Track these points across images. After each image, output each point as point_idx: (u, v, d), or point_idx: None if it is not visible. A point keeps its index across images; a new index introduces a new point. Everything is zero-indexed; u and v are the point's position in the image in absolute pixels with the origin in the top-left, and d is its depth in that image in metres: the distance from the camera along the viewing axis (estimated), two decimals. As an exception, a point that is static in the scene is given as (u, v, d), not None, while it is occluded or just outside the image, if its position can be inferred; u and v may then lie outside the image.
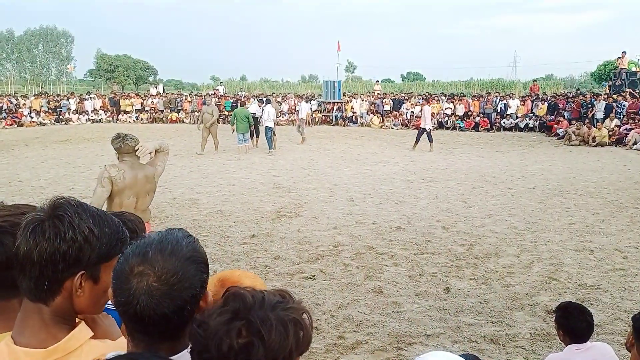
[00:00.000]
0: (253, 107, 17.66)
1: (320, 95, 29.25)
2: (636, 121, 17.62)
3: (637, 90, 20.79)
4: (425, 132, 16.60)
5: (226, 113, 27.41)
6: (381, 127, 25.17)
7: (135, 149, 4.38)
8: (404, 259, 6.28)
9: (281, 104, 27.02)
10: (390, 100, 27.16)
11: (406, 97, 27.87)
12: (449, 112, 24.78)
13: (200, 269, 1.08)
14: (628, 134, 17.25)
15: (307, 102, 27.53)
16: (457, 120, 24.06)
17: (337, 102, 27.45)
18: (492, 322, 4.62)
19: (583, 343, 2.95)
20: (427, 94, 29.07)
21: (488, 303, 5.03)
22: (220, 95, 31.65)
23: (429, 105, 19.17)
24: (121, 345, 1.21)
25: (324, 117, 27.31)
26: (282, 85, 54.81)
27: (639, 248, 6.69)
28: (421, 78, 73.52)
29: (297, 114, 19.26)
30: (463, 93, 30.25)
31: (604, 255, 6.43)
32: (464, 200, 9.43)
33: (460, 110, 24.72)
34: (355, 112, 26.75)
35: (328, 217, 8.19)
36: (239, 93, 34.55)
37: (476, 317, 4.73)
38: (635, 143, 16.48)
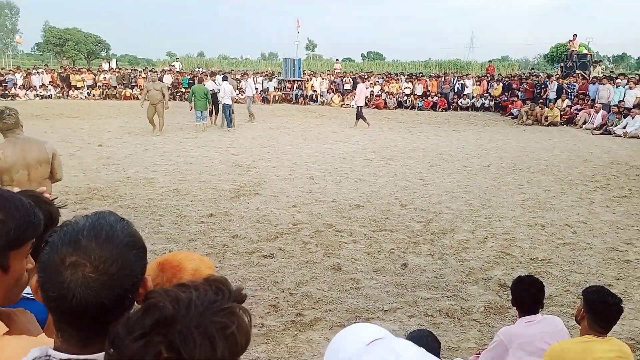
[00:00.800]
0: (209, 84, 17.23)
1: (280, 73, 28.87)
2: (585, 101, 18.25)
3: (587, 72, 21.50)
4: (359, 108, 16.90)
5: (183, 90, 26.76)
6: (341, 105, 25.13)
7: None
8: (362, 236, 6.31)
9: (240, 81, 26.51)
10: (351, 79, 27.10)
11: (366, 76, 27.90)
12: (407, 91, 24.97)
13: (139, 254, 1.00)
14: (578, 113, 17.87)
15: (269, 79, 27.25)
16: (415, 99, 24.29)
17: (297, 80, 27.19)
18: (447, 297, 4.71)
19: (534, 315, 3.03)
20: (386, 73, 29.18)
21: (444, 278, 5.12)
22: (177, 71, 30.78)
23: (363, 84, 19.22)
24: (43, 341, 1.09)
25: (284, 96, 27.02)
26: (242, 63, 53.72)
27: (587, 223, 6.95)
28: (381, 58, 73.66)
29: (245, 93, 18.43)
30: (422, 73, 30.54)
31: (554, 230, 6.65)
32: (422, 178, 9.54)
33: (419, 90, 24.95)
34: (316, 91, 26.60)
35: (288, 195, 8.12)
36: (197, 69, 33.70)
37: (432, 292, 4.81)
38: (584, 123, 17.10)
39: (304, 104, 25.81)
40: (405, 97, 24.66)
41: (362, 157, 11.59)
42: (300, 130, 16.21)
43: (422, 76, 27.18)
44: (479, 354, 3.37)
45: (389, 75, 27.74)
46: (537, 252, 5.89)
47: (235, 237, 6.11)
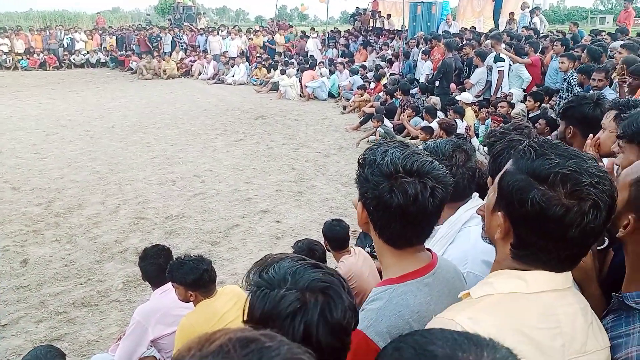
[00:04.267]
0: None
1: None
2: (197, 53, 19.28)
3: (194, 24, 22.72)
4: None
5: None
6: None
7: None
8: (-40, 239, 5.01)
9: None
10: None
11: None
12: (5, 49, 21.08)
13: None
14: (193, 65, 18.80)
15: None
16: (17, 58, 20.80)
17: None
18: (81, 284, 4.22)
19: (167, 284, 2.93)
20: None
21: (75, 263, 4.57)
22: None
23: None
24: None
25: None
26: None
27: (213, 171, 7.40)
28: (-37, 7, 59.82)
29: None
30: (20, 26, 26.23)
31: (185, 184, 6.83)
32: (37, 152, 8.30)
33: (20, 46, 21.40)
34: None
35: None
36: None
37: (63, 284, 4.22)
38: (200, 74, 18.14)
39: None
40: (4, 56, 20.81)
41: (-50, 136, 9.21)
42: None
43: (20, 30, 23.33)
44: (120, 338, 3.12)
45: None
46: (171, 209, 5.92)
47: None
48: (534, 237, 1.01)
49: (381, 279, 1.31)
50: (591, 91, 5.44)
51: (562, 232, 0.97)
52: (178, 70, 18.63)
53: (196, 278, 2.51)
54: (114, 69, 20.81)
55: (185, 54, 19.81)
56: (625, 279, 1.19)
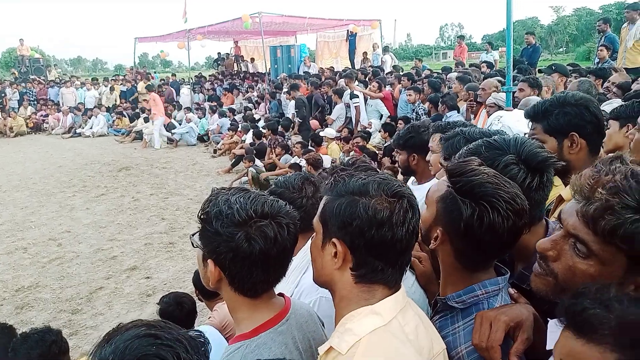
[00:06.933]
0: None
1: None
2: (49, 106, 17.83)
3: (44, 77, 21.13)
4: None
5: None
6: None
7: None
8: None
9: None
10: None
11: None
12: None
13: None
14: (45, 119, 17.33)
15: None
16: None
17: None
18: None
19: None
20: None
21: None
22: None
23: None
24: None
25: None
26: None
27: (71, 231, 6.78)
28: None
29: None
30: None
31: (38, 250, 6.16)
32: None
33: None
34: None
35: None
36: None
37: None
38: (53, 128, 16.77)
39: None
40: None
41: None
42: None
43: None
44: None
45: None
46: (22, 280, 5.29)
47: None
48: (370, 249, 1.03)
49: None
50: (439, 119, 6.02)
51: (392, 233, 1.01)
52: (27, 127, 17.07)
53: (43, 352, 2.23)
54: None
55: (36, 108, 18.25)
56: (441, 284, 1.28)
